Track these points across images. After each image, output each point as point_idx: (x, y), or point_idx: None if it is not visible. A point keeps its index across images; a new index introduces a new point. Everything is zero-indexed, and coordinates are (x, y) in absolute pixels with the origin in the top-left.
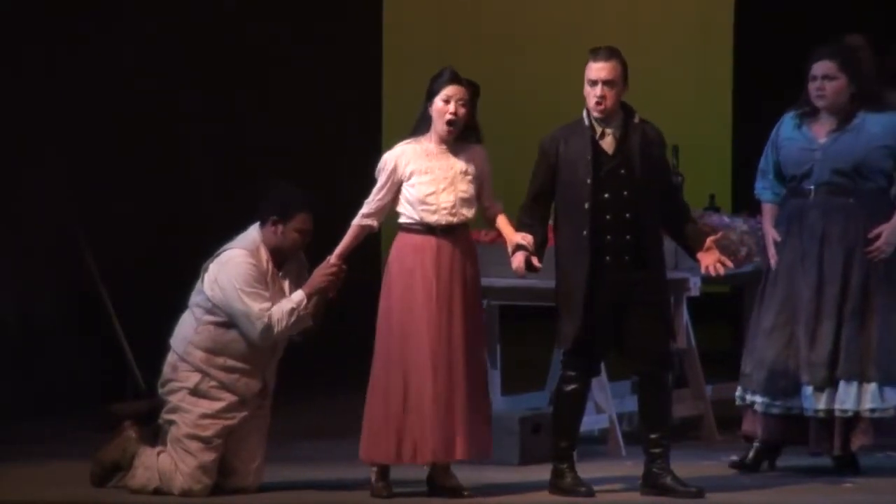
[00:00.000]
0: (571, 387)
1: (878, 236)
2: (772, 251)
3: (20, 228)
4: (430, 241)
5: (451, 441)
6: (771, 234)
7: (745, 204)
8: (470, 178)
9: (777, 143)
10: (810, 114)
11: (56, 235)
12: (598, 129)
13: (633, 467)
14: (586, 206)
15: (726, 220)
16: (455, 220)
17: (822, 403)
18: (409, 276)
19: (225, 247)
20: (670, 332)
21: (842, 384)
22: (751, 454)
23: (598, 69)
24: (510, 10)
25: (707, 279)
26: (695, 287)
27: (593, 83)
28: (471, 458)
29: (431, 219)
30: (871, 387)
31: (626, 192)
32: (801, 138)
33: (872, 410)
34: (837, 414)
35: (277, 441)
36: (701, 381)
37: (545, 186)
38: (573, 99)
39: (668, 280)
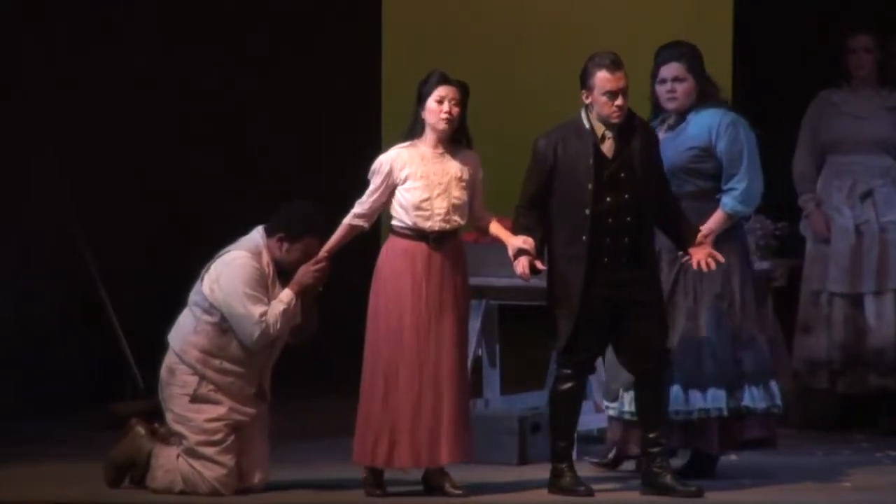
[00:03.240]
0: (567, 385)
1: None
2: None
3: (20, 228)
4: (422, 247)
5: (435, 446)
6: None
7: None
8: (464, 184)
9: None
10: (662, 118)
11: (56, 235)
12: (600, 133)
13: (633, 466)
14: (587, 211)
15: None
16: (448, 226)
17: (626, 405)
18: (399, 279)
19: (227, 248)
20: (666, 330)
21: None
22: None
23: (616, 79)
24: (510, 11)
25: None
26: None
27: (612, 94)
28: (454, 462)
29: (425, 224)
30: (674, 389)
31: (627, 196)
32: None
33: (677, 413)
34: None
35: (273, 442)
36: None
37: (541, 189)
38: (574, 98)
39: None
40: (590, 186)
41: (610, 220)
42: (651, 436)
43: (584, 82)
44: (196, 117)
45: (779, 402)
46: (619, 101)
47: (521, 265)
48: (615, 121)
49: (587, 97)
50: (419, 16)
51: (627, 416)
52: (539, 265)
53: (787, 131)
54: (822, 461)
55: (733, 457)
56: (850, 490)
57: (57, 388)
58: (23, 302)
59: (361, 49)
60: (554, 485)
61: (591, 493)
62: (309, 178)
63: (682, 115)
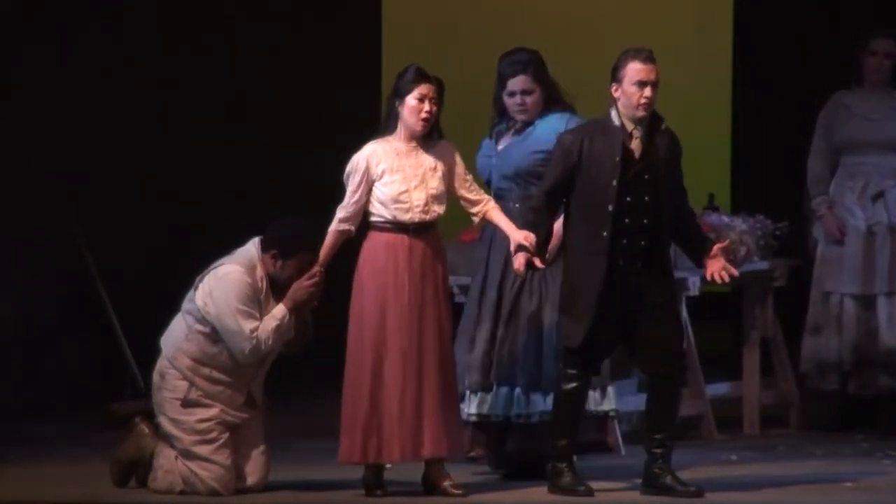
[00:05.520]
0: (571, 385)
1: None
2: None
3: (20, 228)
4: (403, 239)
5: (419, 439)
6: None
7: (744, 203)
8: (440, 174)
9: None
10: (509, 124)
11: (56, 235)
12: (629, 130)
13: (633, 466)
14: (610, 208)
15: (725, 219)
16: (427, 217)
17: (474, 407)
18: (382, 275)
19: (221, 260)
20: (682, 332)
21: (494, 388)
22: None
23: (647, 71)
24: (509, 11)
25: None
26: (693, 286)
27: (642, 84)
28: (441, 457)
29: (405, 217)
30: (516, 392)
31: (647, 198)
32: (487, 147)
33: (518, 416)
34: (492, 419)
35: (273, 441)
36: (700, 381)
37: (560, 184)
38: (573, 98)
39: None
40: (614, 183)
41: (627, 220)
42: (657, 437)
43: (615, 74)
44: (197, 117)
45: (615, 405)
46: (647, 92)
47: (518, 261)
48: (642, 113)
49: (616, 90)
50: (419, 16)
51: (474, 419)
52: (537, 262)
53: (786, 131)
54: (822, 461)
55: (733, 457)
56: (850, 490)
57: (57, 388)
58: (23, 302)
59: (361, 49)
60: (554, 484)
61: (591, 492)
62: (309, 179)
63: (528, 122)
